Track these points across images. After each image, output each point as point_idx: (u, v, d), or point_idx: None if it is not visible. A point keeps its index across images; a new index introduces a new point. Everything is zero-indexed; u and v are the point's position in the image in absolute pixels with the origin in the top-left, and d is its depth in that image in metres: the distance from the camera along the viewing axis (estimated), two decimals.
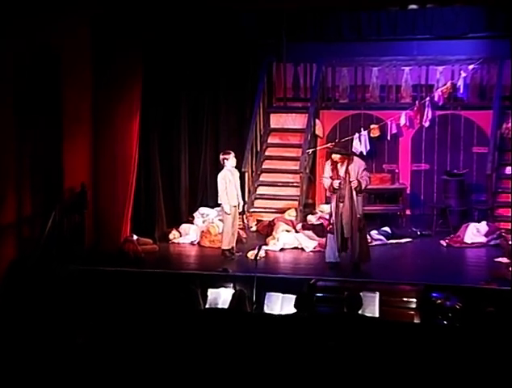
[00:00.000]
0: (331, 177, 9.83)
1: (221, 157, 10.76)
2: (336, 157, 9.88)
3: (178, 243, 11.73)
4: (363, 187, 9.74)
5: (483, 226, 11.42)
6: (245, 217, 12.34)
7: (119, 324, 6.25)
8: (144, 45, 11.15)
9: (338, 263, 9.89)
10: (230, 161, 10.68)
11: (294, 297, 7.61)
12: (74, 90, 10.53)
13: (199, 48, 13.05)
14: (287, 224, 11.89)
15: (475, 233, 11.30)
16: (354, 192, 9.70)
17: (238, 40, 13.67)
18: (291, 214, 12.50)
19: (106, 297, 8.57)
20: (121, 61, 10.85)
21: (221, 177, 10.64)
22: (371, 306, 8.25)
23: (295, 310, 7.37)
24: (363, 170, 9.78)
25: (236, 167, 10.89)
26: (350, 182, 9.69)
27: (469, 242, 11.20)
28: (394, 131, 13.09)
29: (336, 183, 9.76)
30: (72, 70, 10.42)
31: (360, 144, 12.86)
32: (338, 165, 9.83)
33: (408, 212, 13.08)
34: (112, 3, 10.66)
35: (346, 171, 9.78)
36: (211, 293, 8.90)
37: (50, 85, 10.13)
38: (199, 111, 13.48)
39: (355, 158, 10.05)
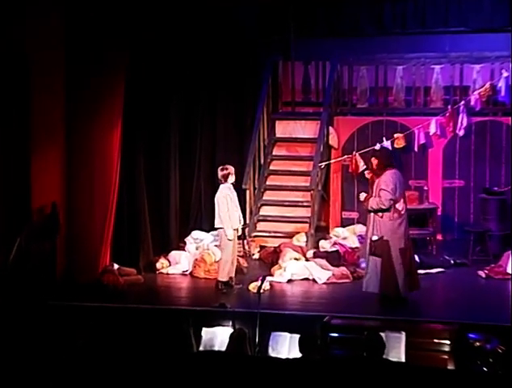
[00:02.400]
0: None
1: (221, 173, 10.69)
2: (373, 161, 9.94)
3: (167, 274, 11.73)
4: (371, 207, 9.74)
5: None
6: (246, 242, 12.32)
7: (95, 370, 6.22)
8: (129, 45, 11.19)
9: (380, 294, 9.91)
10: (232, 176, 10.67)
11: None
12: (45, 95, 10.58)
13: (191, 46, 13.12)
14: (296, 251, 11.87)
15: None
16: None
17: (237, 35, 13.70)
18: (300, 239, 12.48)
19: (81, 337, 8.53)
20: (101, 62, 10.92)
21: (222, 196, 10.57)
22: (397, 349, 8.22)
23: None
24: (382, 190, 9.72)
25: (232, 184, 10.88)
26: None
27: None
28: (422, 141, 13.10)
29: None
30: (43, 72, 10.47)
31: None
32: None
33: (439, 237, 13.07)
34: None
35: (373, 185, 9.90)
36: (206, 332, 8.88)
37: (17, 88, 10.18)
38: (192, 119, 13.53)
39: (387, 172, 9.87)
